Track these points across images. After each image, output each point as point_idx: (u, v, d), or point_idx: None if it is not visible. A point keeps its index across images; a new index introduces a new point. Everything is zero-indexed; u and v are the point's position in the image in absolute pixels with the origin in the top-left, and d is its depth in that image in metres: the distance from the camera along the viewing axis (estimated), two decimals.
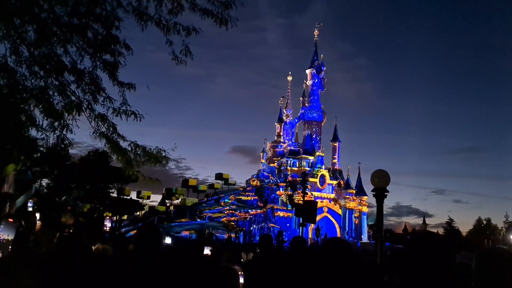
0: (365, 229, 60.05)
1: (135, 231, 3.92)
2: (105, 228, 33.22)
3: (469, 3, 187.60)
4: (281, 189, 57.36)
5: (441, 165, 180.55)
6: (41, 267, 4.02)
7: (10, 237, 5.98)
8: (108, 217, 38.72)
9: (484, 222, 64.96)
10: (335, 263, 2.58)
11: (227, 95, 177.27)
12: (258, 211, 55.82)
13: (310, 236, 47.63)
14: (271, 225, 53.90)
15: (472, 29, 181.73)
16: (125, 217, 52.22)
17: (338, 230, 57.54)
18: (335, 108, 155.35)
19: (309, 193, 48.27)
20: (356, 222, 59.45)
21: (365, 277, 3.89)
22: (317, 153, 59.55)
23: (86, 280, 3.83)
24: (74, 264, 4.33)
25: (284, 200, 55.77)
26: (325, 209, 56.70)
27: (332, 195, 58.41)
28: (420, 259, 2.07)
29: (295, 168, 59.51)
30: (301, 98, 64.29)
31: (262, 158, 65.44)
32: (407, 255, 2.13)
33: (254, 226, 54.63)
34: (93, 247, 6.27)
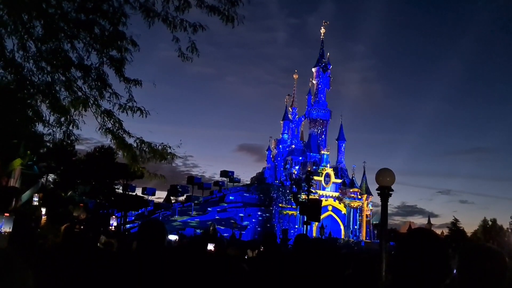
0: (369, 228, 59.95)
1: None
2: (111, 227, 33.26)
3: (475, 5, 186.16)
4: (285, 187, 57.35)
5: (448, 166, 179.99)
6: (45, 260, 4.05)
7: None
8: (114, 217, 38.74)
9: (490, 222, 64.57)
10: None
11: (236, 93, 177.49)
12: (263, 208, 55.85)
13: (314, 234, 47.60)
14: (281, 222, 53.97)
15: (479, 29, 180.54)
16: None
17: (342, 228, 57.48)
18: (343, 107, 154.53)
19: (313, 191, 48.23)
20: (361, 221, 59.36)
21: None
22: (322, 152, 59.44)
23: (89, 274, 3.86)
24: (78, 258, 4.36)
25: (289, 198, 55.77)
26: (330, 208, 56.65)
27: (337, 194, 58.33)
28: (409, 256, 2.02)
29: (300, 166, 59.47)
30: (306, 97, 64.24)
31: (267, 156, 65.45)
32: (397, 253, 2.08)
33: (259, 223, 54.67)
34: (99, 244, 6.31)
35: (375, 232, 58.00)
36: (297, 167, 59.66)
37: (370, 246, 45.28)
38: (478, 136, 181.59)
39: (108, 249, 5.88)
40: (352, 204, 58.74)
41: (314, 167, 57.40)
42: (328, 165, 59.10)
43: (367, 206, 60.38)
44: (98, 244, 6.33)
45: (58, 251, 4.63)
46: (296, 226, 53.31)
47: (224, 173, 62.68)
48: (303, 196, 43.49)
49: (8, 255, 1.55)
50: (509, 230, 60.71)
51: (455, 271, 2.26)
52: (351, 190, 59.05)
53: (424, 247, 2.01)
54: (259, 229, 52.80)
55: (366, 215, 60.17)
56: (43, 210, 17.73)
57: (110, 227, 33.64)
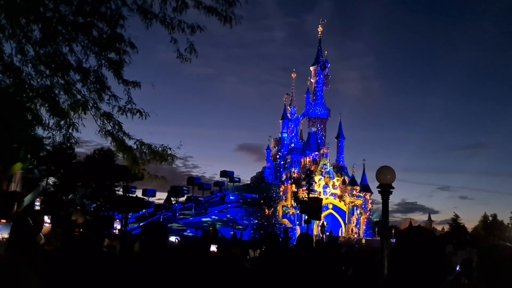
0: (370, 225, 59.99)
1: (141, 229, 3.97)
2: (114, 231, 33.16)
3: (475, 3, 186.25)
4: (285, 186, 57.37)
5: (447, 162, 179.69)
6: (47, 265, 4.05)
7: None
8: (117, 220, 38.68)
9: (490, 218, 64.60)
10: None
11: (235, 93, 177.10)
12: (264, 208, 55.86)
13: (315, 233, 47.61)
14: (282, 221, 53.98)
15: (478, 26, 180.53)
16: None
17: (343, 226, 57.51)
18: (342, 105, 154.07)
19: (314, 189, 48.29)
20: (361, 219, 59.39)
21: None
22: (322, 150, 59.46)
23: (92, 278, 3.86)
24: (81, 262, 4.36)
25: (289, 197, 55.78)
26: (330, 206, 56.67)
27: (337, 192, 58.34)
28: (406, 256, 2.01)
29: (300, 165, 59.50)
30: (304, 95, 64.27)
31: (267, 156, 65.48)
32: (394, 253, 2.08)
33: (259, 223, 54.67)
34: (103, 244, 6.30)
35: (376, 229, 58.02)
36: (297, 166, 59.68)
37: (371, 244, 45.32)
38: (477, 131, 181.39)
39: (111, 251, 5.89)
40: (353, 202, 58.75)
41: (313, 165, 57.45)
42: (328, 164, 59.10)
43: (367, 203, 60.40)
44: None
45: (59, 255, 4.63)
46: (297, 224, 53.34)
47: (224, 173, 62.70)
48: (304, 195, 43.55)
49: (3, 262, 1.55)
50: (510, 225, 60.78)
51: (458, 267, 2.26)
52: (351, 188, 59.04)
53: (420, 246, 2.01)
54: (259, 228, 52.80)
55: (367, 212, 60.20)
56: (45, 217, 17.64)
57: (114, 231, 33.56)
